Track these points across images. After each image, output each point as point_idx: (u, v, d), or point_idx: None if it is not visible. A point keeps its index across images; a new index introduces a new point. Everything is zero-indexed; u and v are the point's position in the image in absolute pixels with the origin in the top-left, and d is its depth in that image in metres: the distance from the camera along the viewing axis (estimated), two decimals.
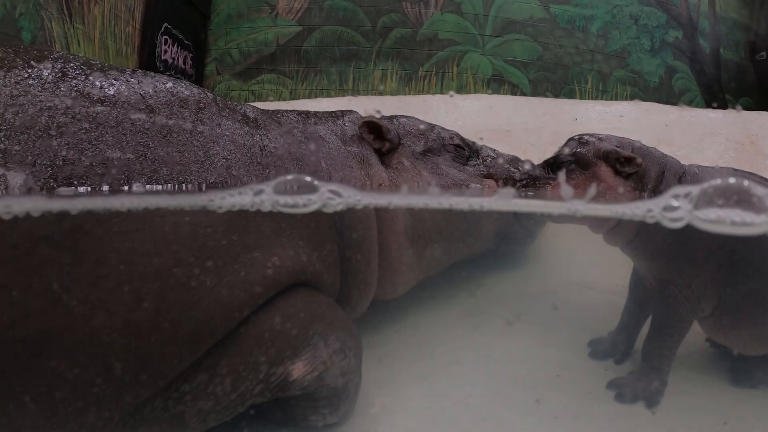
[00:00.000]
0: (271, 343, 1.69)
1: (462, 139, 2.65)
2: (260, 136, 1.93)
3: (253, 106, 2.07)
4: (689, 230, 1.85)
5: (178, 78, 1.98)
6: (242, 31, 7.12)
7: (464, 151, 2.62)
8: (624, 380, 2.32)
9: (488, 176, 2.65)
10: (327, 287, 2.04)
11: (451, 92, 6.35)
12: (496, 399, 2.36)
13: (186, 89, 1.82)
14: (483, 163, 2.70)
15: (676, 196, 1.45)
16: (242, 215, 1.68)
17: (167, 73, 6.46)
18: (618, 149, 2.20)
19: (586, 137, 2.27)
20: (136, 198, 1.48)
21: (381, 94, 6.68)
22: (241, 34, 7.12)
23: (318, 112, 2.48)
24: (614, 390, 2.30)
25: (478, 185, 2.60)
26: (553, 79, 7.01)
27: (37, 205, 1.40)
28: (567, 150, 2.24)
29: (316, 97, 6.72)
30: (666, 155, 2.29)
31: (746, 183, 1.38)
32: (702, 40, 7.51)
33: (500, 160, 2.77)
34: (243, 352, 1.65)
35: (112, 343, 1.45)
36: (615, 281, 2.97)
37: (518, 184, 2.35)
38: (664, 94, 7.13)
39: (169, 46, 6.62)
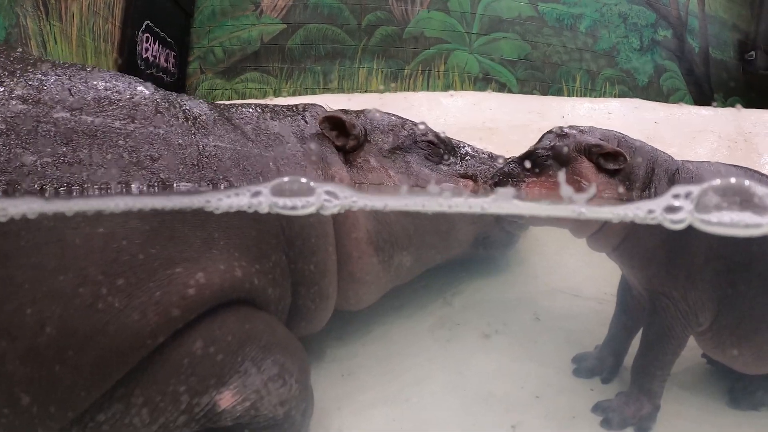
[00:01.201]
0: (191, 371, 1.49)
1: (436, 135, 2.35)
2: (201, 135, 1.73)
3: (206, 102, 1.89)
4: (685, 234, 1.58)
5: (132, 76, 1.77)
6: (226, 28, 6.78)
7: (438, 149, 2.32)
8: (611, 403, 2.00)
9: (465, 176, 2.34)
10: (272, 303, 1.82)
11: (451, 91, 6.03)
12: (467, 423, 2.05)
13: (123, 86, 1.65)
14: (460, 162, 2.39)
15: (677, 196, 1.28)
16: (167, 224, 1.51)
17: (148, 72, 6.17)
18: (602, 143, 1.87)
19: (566, 129, 1.94)
20: (131, 198, 1.39)
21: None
22: (224, 32, 6.78)
23: (279, 106, 2.20)
24: (600, 414, 1.99)
25: (453, 185, 2.30)
26: (541, 78, 6.70)
27: None
28: (544, 144, 1.92)
29: (300, 95, 6.39)
30: (657, 150, 1.97)
31: (747, 183, 1.25)
32: (691, 39, 7.23)
33: (479, 158, 2.46)
34: (158, 381, 1.46)
35: (15, 371, 1.30)
36: (603, 288, 2.65)
37: (489, 182, 2.03)
38: (653, 93, 6.83)
39: (150, 44, 6.29)
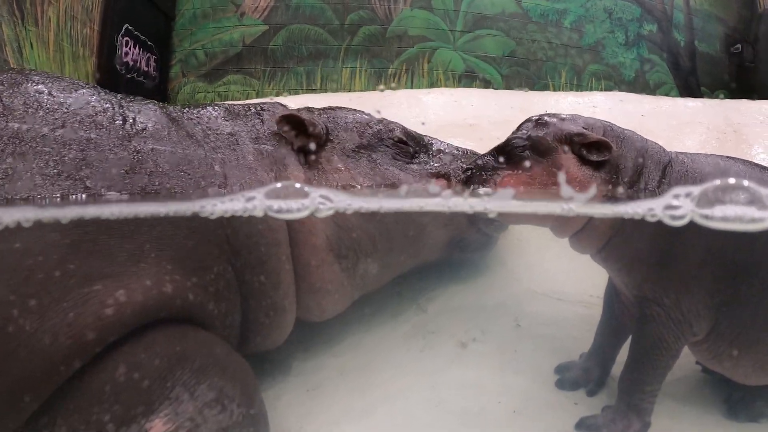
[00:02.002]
0: (114, 398, 1.34)
1: (406, 132, 2.13)
2: (138, 139, 1.61)
3: (157, 105, 1.80)
4: (679, 233, 1.34)
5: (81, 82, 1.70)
6: (207, 31, 6.53)
7: (408, 147, 2.09)
8: (597, 420, 1.77)
9: (438, 174, 2.11)
10: (216, 319, 1.65)
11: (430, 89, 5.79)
12: None
13: (57, 90, 1.57)
14: (433, 160, 2.16)
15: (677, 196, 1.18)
16: (91, 236, 1.37)
17: (129, 76, 5.94)
18: (585, 132, 1.63)
19: (545, 117, 1.71)
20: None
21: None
22: (206, 35, 6.54)
23: (238, 106, 2.04)
24: None
25: (424, 186, 2.06)
26: (526, 74, 6.48)
27: None
28: (521, 133, 1.68)
29: (283, 97, 6.15)
30: (647, 140, 1.74)
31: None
32: (677, 33, 7.03)
33: (454, 155, 2.23)
34: (81, 409, 1.32)
35: None
36: (589, 291, 2.42)
37: (462, 177, 1.79)
38: (640, 87, 6.62)
39: (130, 48, 6.04)
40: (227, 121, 1.91)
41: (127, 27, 5.96)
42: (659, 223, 1.34)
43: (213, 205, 1.34)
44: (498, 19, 6.51)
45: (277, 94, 6.31)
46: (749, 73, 7.11)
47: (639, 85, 6.70)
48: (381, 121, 2.17)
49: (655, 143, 1.76)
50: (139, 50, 6.16)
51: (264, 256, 1.78)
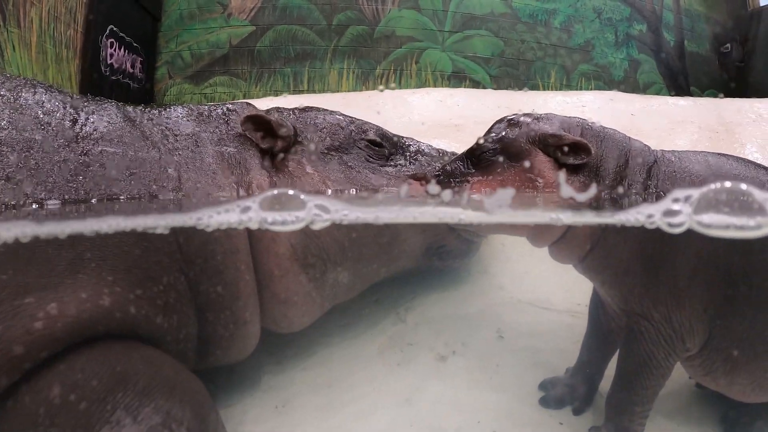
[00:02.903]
0: (49, 421, 1.22)
1: (382, 134, 1.97)
2: (87, 141, 1.51)
3: (116, 105, 1.69)
4: (667, 240, 1.17)
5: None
6: (194, 32, 6.36)
7: (383, 149, 1.93)
8: None
9: (415, 177, 1.95)
10: (166, 334, 1.52)
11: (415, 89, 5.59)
12: None
13: (12, 92, 1.49)
14: (410, 162, 2.00)
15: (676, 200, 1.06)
16: (28, 245, 1.24)
17: (113, 78, 5.77)
18: (560, 132, 1.46)
19: (518, 117, 1.54)
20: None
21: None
22: (192, 36, 6.36)
23: (207, 107, 1.92)
24: None
25: (398, 189, 1.90)
26: (515, 75, 6.32)
27: None
28: (492, 135, 1.51)
29: (270, 98, 5.96)
30: (630, 139, 1.57)
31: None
32: (667, 33, 6.90)
33: (433, 157, 2.07)
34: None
35: None
36: (576, 299, 2.25)
37: (431, 183, 1.63)
38: (630, 87, 6.48)
39: (115, 50, 5.86)
40: (189, 121, 1.79)
41: (112, 28, 5.80)
42: (644, 229, 1.18)
43: (209, 216, 1.23)
44: (487, 19, 6.36)
45: (264, 96, 6.12)
46: (739, 72, 6.97)
47: (629, 85, 6.56)
48: (353, 121, 2.01)
49: (639, 142, 1.59)
50: (125, 52, 5.99)
51: (221, 265, 1.62)
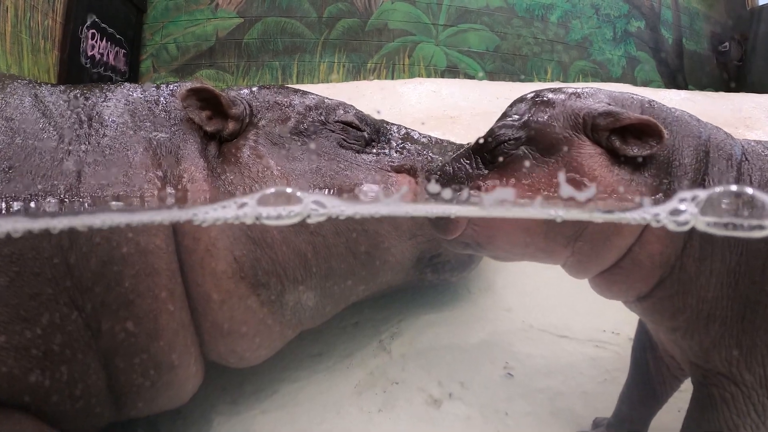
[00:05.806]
0: None
1: (360, 116, 1.45)
2: None
3: (29, 83, 1.37)
4: None
5: None
6: (180, 24, 5.82)
7: (361, 133, 1.41)
8: None
9: (400, 169, 1.44)
10: (48, 394, 1.07)
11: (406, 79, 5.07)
12: None
13: None
14: (394, 151, 1.48)
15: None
16: None
17: (95, 71, 5.27)
18: (616, 110, 0.94)
19: (547, 94, 1.01)
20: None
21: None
22: (178, 28, 5.82)
23: (146, 85, 1.50)
24: None
25: (378, 182, 1.40)
26: (511, 70, 5.82)
27: None
28: (510, 120, 0.98)
29: None
30: (706, 124, 1.05)
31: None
32: (665, 30, 6.45)
33: (423, 145, 1.55)
34: None
35: None
36: (600, 324, 1.73)
37: (427, 186, 1.11)
38: (627, 84, 5.98)
39: (96, 41, 5.35)
40: (120, 103, 1.37)
41: (94, 19, 5.28)
42: (738, 256, 0.67)
43: (205, 212, 1.02)
44: (482, 13, 5.85)
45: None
46: (737, 71, 6.52)
47: (627, 82, 6.11)
48: (324, 100, 1.49)
49: (717, 128, 1.08)
50: (107, 43, 5.48)
51: (129, 292, 1.13)
